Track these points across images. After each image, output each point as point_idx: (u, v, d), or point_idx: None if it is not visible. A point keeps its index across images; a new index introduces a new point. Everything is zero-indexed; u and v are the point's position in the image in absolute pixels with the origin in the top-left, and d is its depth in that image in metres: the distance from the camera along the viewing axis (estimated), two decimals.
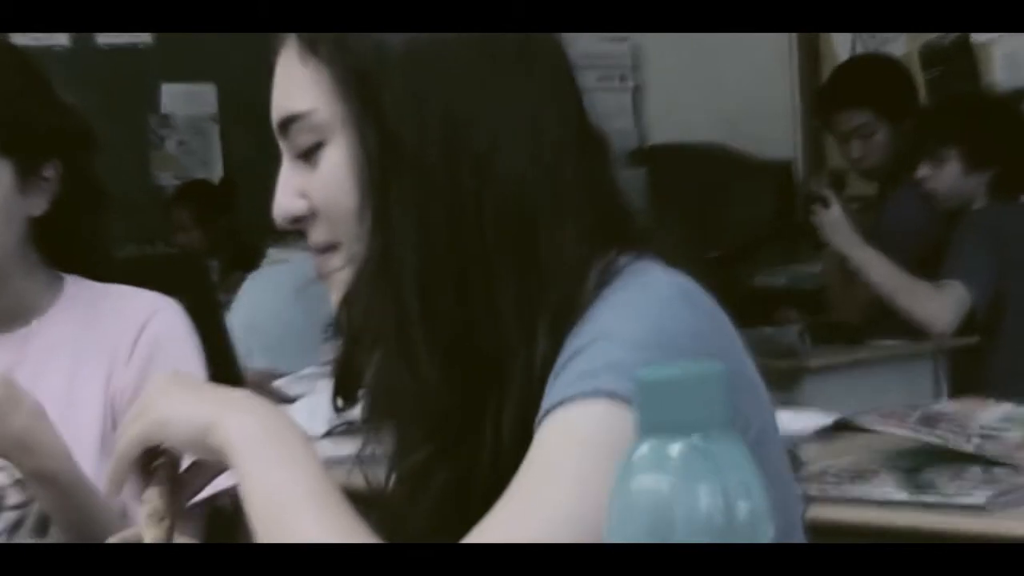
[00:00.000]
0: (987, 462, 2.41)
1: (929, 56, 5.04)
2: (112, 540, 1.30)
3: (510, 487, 1.13)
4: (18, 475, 1.73)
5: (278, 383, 3.49)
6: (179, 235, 5.61)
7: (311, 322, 3.60)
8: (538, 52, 1.25)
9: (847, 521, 2.28)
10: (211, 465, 1.25)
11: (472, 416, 1.21)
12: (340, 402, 1.31)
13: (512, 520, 1.11)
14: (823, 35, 5.30)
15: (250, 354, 3.58)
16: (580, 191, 1.23)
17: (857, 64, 4.80)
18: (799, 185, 5.09)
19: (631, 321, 1.17)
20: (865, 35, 5.19)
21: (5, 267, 1.90)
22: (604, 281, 1.21)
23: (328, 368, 3.35)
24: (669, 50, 5.52)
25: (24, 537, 1.76)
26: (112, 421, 1.86)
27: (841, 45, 5.25)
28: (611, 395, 1.11)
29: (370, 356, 1.25)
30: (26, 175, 1.89)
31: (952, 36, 4.97)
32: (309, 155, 1.24)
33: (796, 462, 2.31)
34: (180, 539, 1.25)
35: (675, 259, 1.24)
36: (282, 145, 1.27)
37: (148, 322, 1.91)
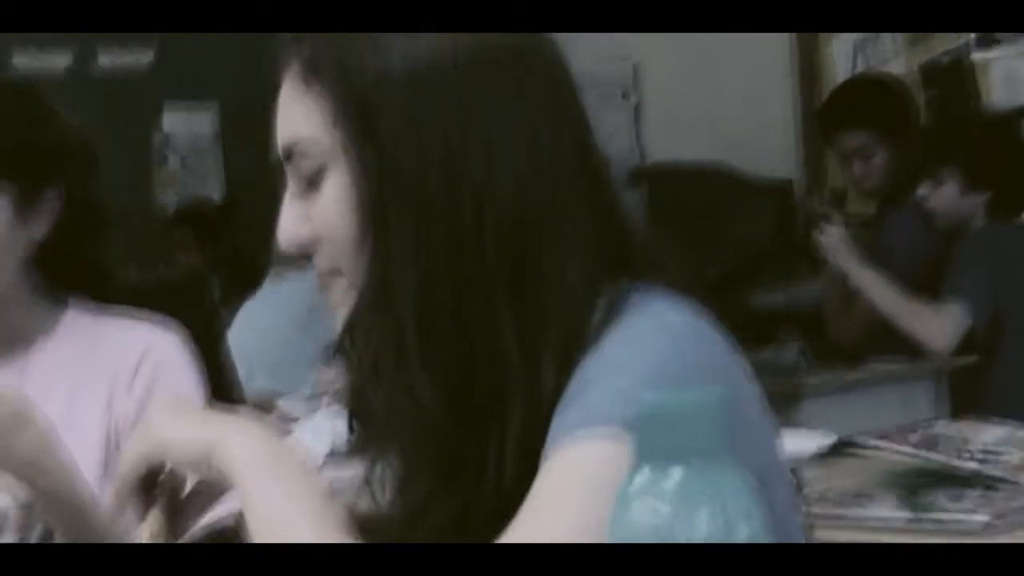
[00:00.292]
0: (987, 483, 2.41)
1: (928, 75, 5.04)
2: None
3: (515, 519, 1.12)
4: (22, 499, 1.73)
5: (281, 403, 3.49)
6: (180, 254, 5.61)
7: (312, 342, 3.61)
8: (539, 73, 1.24)
9: (847, 542, 2.28)
10: (213, 487, 1.26)
11: (474, 445, 1.20)
12: (355, 426, 1.31)
13: None
14: (823, 53, 5.31)
15: (250, 374, 3.58)
16: (584, 217, 1.23)
17: (858, 84, 4.80)
18: (799, 204, 5.09)
19: (640, 355, 1.16)
20: (866, 52, 5.19)
21: (5, 292, 1.90)
22: (613, 312, 1.20)
23: (325, 389, 3.35)
24: (669, 69, 5.53)
25: None
26: (113, 447, 1.86)
27: (841, 64, 5.26)
28: (618, 429, 1.10)
29: (375, 382, 1.26)
30: (27, 200, 1.89)
31: (951, 55, 4.98)
32: (312, 181, 1.24)
33: (796, 484, 2.31)
34: None
35: (685, 290, 1.23)
36: (287, 171, 1.27)
37: (150, 349, 1.91)
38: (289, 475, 1.19)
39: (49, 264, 1.95)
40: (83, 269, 1.98)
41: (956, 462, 2.44)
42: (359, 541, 1.16)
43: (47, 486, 1.68)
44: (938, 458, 2.45)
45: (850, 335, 4.32)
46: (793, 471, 1.94)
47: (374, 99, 1.21)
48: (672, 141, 5.43)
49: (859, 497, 2.41)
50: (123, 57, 5.93)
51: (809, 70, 5.34)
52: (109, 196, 2.01)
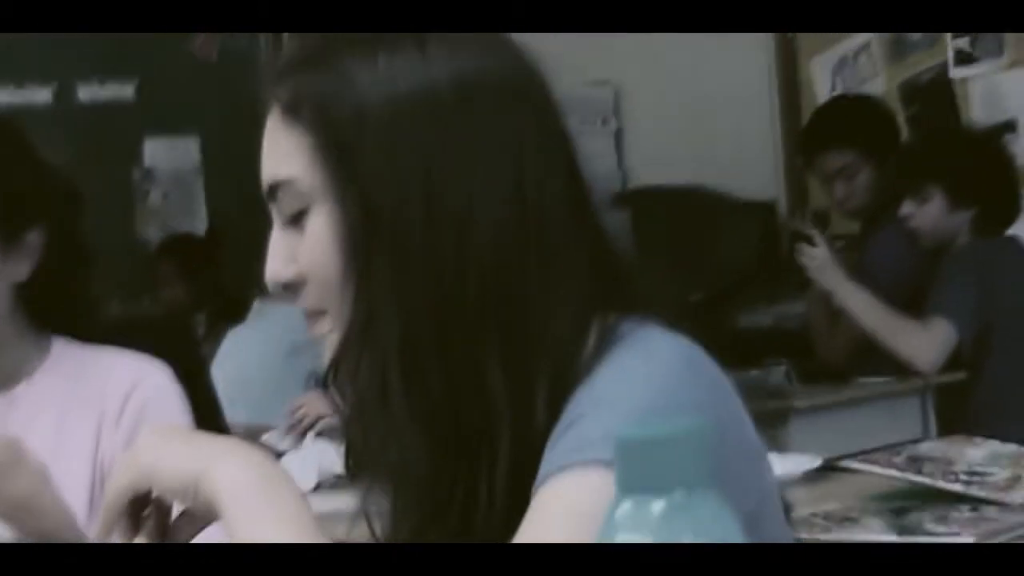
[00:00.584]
0: (974, 502, 2.41)
1: (908, 93, 5.06)
2: None
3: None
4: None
5: (265, 437, 3.49)
6: (164, 289, 5.60)
7: (295, 375, 3.61)
8: (523, 107, 1.24)
9: None
10: (200, 515, 1.24)
11: (462, 482, 1.20)
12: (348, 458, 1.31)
13: None
14: (803, 74, 5.32)
15: (234, 408, 3.58)
16: (571, 252, 1.22)
17: (839, 104, 4.81)
18: (782, 225, 5.10)
19: (632, 389, 1.16)
20: (844, 73, 5.20)
21: None
22: (603, 346, 1.20)
23: (303, 421, 3.33)
24: (650, 93, 5.54)
25: None
26: (100, 483, 1.85)
27: (821, 84, 5.27)
28: (608, 464, 1.10)
29: (361, 421, 1.25)
30: (8, 242, 1.88)
31: (931, 72, 4.99)
32: (297, 220, 1.24)
33: (784, 507, 2.30)
34: None
35: (675, 321, 1.23)
36: (271, 210, 1.27)
37: (137, 386, 1.91)
38: (278, 504, 1.17)
39: (34, 302, 1.94)
40: (68, 307, 1.98)
41: (942, 483, 2.44)
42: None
43: (39, 528, 1.67)
44: (923, 479, 2.45)
45: (836, 355, 4.32)
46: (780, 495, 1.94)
47: (353, 138, 1.21)
48: (654, 165, 5.43)
49: (845, 520, 2.40)
50: (103, 91, 5.92)
51: (789, 91, 5.35)
52: (91, 232, 2.01)
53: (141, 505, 1.23)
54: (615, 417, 1.12)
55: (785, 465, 2.73)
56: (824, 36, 5.21)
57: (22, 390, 1.93)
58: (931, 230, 4.08)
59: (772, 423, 3.66)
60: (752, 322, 5.00)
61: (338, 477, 2.97)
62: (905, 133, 4.76)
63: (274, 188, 1.25)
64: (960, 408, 4.03)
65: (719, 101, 5.37)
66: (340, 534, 1.20)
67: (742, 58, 5.28)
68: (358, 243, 1.21)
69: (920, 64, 5.01)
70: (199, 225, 6.12)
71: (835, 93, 5.15)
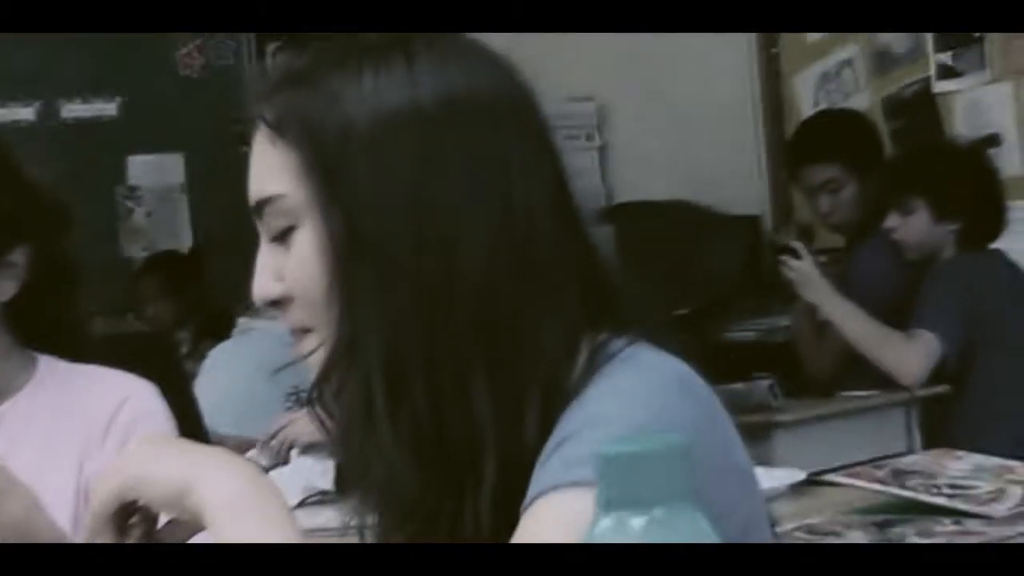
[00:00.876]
0: (958, 515, 2.42)
1: (892, 107, 5.07)
2: None
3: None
4: None
5: (250, 454, 3.48)
6: (148, 306, 5.59)
7: (279, 392, 3.61)
8: (510, 125, 1.23)
9: None
10: (186, 525, 1.23)
11: (449, 501, 1.20)
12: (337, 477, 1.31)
13: None
14: (787, 88, 5.33)
15: (217, 425, 3.57)
16: (560, 269, 1.22)
17: (824, 119, 4.82)
18: (767, 240, 5.10)
19: (623, 409, 1.15)
20: (828, 87, 5.22)
21: None
22: (594, 365, 1.19)
23: (284, 437, 3.32)
24: (634, 108, 5.54)
25: None
26: (85, 503, 1.85)
27: (804, 98, 5.28)
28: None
29: (347, 439, 1.25)
30: None
31: (915, 87, 5.00)
32: (283, 237, 1.24)
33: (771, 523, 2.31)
34: None
35: (667, 341, 1.23)
36: (258, 227, 1.27)
37: (123, 405, 1.90)
38: (265, 518, 1.17)
39: (20, 321, 1.94)
40: (55, 325, 1.97)
41: (925, 496, 2.44)
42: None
43: None
44: (907, 493, 2.46)
45: (821, 368, 4.32)
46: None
47: (338, 156, 1.21)
48: (638, 180, 5.44)
49: (828, 534, 2.40)
50: (87, 109, 5.92)
51: (773, 106, 5.36)
52: (75, 249, 2.00)
53: (127, 514, 1.22)
54: (605, 437, 1.11)
55: (769, 479, 2.73)
56: (807, 51, 5.22)
57: (7, 408, 1.93)
58: (915, 243, 4.09)
59: (756, 437, 3.66)
60: (737, 336, 5.01)
61: (323, 493, 2.97)
62: (889, 148, 4.77)
63: (261, 205, 1.25)
64: (945, 421, 4.04)
65: (703, 116, 5.37)
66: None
67: (726, 73, 5.29)
68: (343, 261, 1.20)
69: (903, 79, 5.03)
70: (183, 242, 6.12)
71: (819, 108, 5.16)
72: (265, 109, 1.25)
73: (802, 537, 2.40)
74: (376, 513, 1.26)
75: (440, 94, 1.22)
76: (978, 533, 2.33)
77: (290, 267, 1.24)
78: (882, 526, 2.40)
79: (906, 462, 2.64)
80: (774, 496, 2.69)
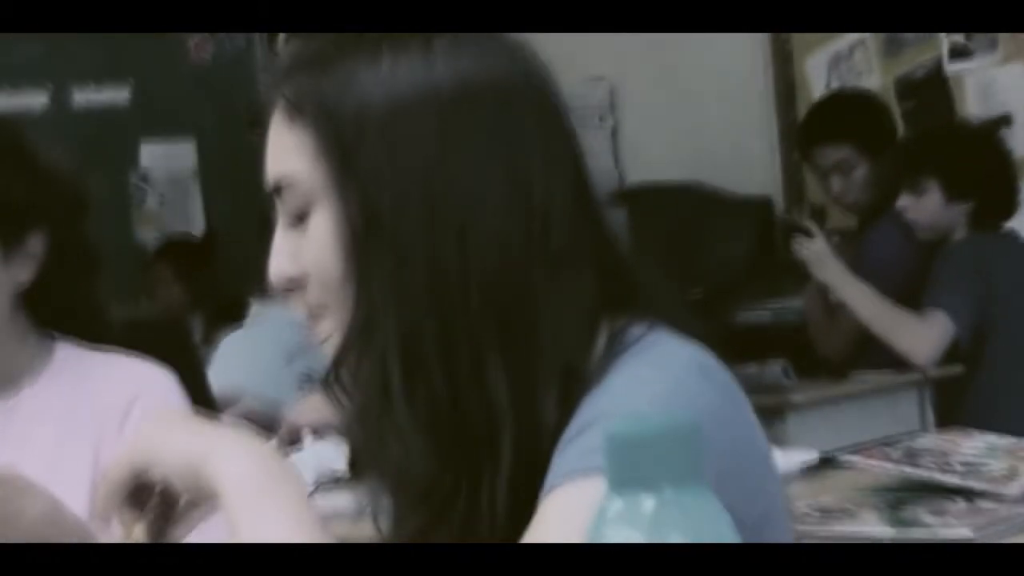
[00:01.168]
0: (971, 495, 2.41)
1: (904, 88, 5.06)
2: None
3: None
4: None
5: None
6: (161, 291, 5.60)
7: (291, 377, 3.62)
8: (527, 108, 1.23)
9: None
10: (201, 504, 1.23)
11: (465, 486, 1.19)
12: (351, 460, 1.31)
13: None
14: (798, 70, 5.32)
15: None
16: (576, 252, 1.21)
17: (836, 99, 4.81)
18: (779, 221, 5.10)
19: (644, 397, 1.15)
20: (840, 68, 5.21)
21: None
22: (614, 352, 1.19)
23: (302, 422, 3.32)
24: (646, 90, 5.54)
25: None
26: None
27: (816, 80, 5.27)
28: None
29: (362, 421, 1.24)
30: (8, 247, 1.88)
31: (926, 67, 4.99)
32: (301, 217, 1.24)
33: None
34: None
35: (687, 328, 1.22)
36: (276, 207, 1.27)
37: (141, 389, 1.90)
38: (281, 497, 1.17)
39: (37, 306, 1.94)
40: (74, 311, 1.97)
41: (938, 476, 2.44)
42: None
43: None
44: (920, 472, 2.45)
45: (834, 349, 4.32)
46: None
47: (354, 138, 1.21)
48: (650, 162, 5.43)
49: (841, 514, 2.41)
50: (99, 96, 5.93)
51: (784, 88, 5.35)
52: (94, 235, 2.00)
53: (143, 490, 1.22)
54: None
55: (782, 460, 2.73)
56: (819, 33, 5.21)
57: (25, 394, 1.93)
58: (928, 223, 4.08)
59: (770, 418, 3.66)
60: (750, 318, 5.01)
61: (337, 478, 2.97)
62: (901, 129, 4.76)
63: (278, 186, 1.25)
64: (957, 402, 4.04)
65: (715, 98, 5.37)
66: (340, 533, 1.20)
67: (738, 54, 5.28)
68: (358, 242, 1.20)
69: (915, 60, 5.01)
70: (196, 228, 6.12)
71: (831, 89, 5.15)
72: (282, 90, 1.25)
73: (814, 516, 2.40)
74: (391, 496, 1.26)
75: (457, 78, 1.22)
76: (990, 512, 2.33)
77: (306, 248, 1.24)
78: (894, 505, 2.40)
79: (919, 442, 2.64)
80: (787, 477, 2.69)
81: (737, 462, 1.16)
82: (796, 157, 5.00)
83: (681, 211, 5.20)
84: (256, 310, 4.15)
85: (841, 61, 5.21)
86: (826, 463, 2.84)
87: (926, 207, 4.07)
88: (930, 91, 4.98)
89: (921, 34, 4.96)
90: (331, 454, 3.01)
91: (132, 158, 6.04)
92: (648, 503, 0.80)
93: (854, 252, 4.28)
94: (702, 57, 5.30)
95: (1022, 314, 4.01)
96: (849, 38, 5.16)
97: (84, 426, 1.89)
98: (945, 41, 4.91)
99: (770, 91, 5.38)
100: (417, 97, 1.21)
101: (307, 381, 3.45)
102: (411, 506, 1.23)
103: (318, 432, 3.21)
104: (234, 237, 5.46)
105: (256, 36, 6.06)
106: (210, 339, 4.52)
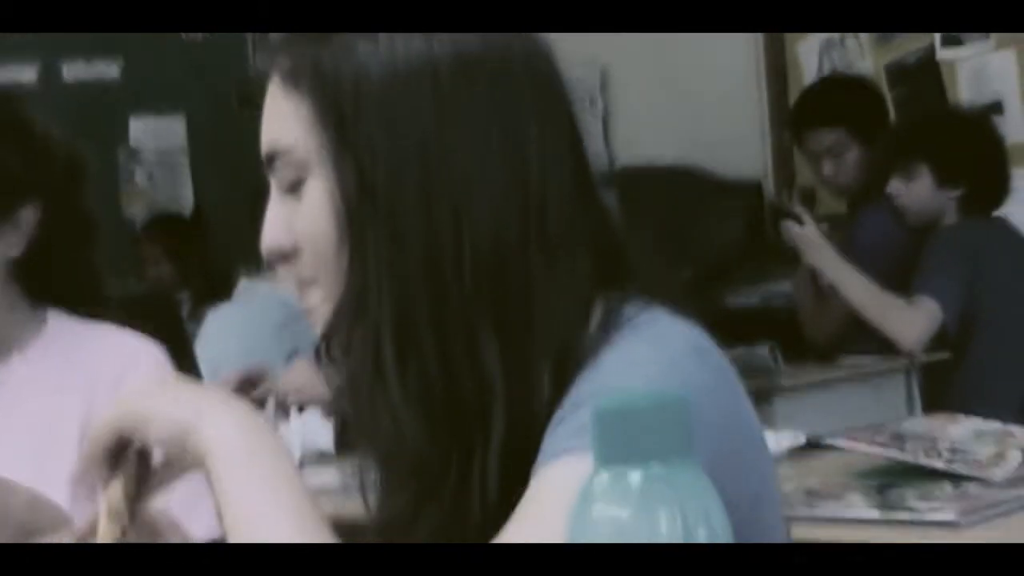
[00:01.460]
0: (957, 478, 2.42)
1: (895, 74, 5.06)
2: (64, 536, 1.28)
3: (500, 535, 1.11)
4: None
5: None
6: (149, 269, 5.60)
7: (279, 353, 3.61)
8: (526, 83, 1.23)
9: (818, 541, 2.28)
10: (180, 466, 1.23)
11: (456, 460, 1.19)
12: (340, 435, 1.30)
13: None
14: (790, 55, 5.32)
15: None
16: (572, 229, 1.21)
17: (829, 83, 4.81)
18: (769, 205, 5.10)
19: (639, 375, 1.15)
20: (832, 54, 5.21)
21: None
22: (608, 329, 1.19)
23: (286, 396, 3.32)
24: (636, 73, 5.53)
25: None
26: None
27: (808, 65, 5.27)
28: None
29: (353, 394, 1.24)
30: (1, 218, 1.88)
31: (918, 54, 5.00)
32: (294, 188, 1.24)
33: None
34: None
35: (681, 306, 1.22)
36: (270, 178, 1.26)
37: (130, 366, 1.90)
38: (269, 466, 1.16)
39: (31, 277, 1.93)
40: (67, 282, 1.96)
41: (924, 460, 2.45)
42: (334, 537, 1.14)
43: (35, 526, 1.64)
44: (906, 456, 2.46)
45: (823, 333, 4.32)
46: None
47: (350, 108, 1.20)
48: (641, 145, 5.43)
49: (828, 496, 2.41)
50: (88, 70, 5.91)
51: (776, 72, 5.35)
52: (91, 206, 1.99)
53: (123, 448, 1.21)
54: None
55: (770, 442, 2.73)
56: None
57: (15, 365, 1.93)
58: (918, 208, 4.08)
59: (757, 401, 3.65)
60: (739, 301, 5.01)
61: (322, 453, 2.97)
62: (892, 115, 4.76)
63: (272, 156, 1.25)
64: (945, 388, 4.04)
65: (706, 81, 5.37)
66: (326, 509, 1.19)
67: (729, 38, 5.27)
68: (353, 214, 1.20)
69: (907, 46, 5.01)
70: (185, 205, 6.12)
71: (823, 74, 5.15)
72: (279, 60, 1.25)
73: (801, 499, 2.41)
74: (380, 471, 1.26)
75: (456, 52, 1.21)
76: (976, 497, 2.33)
77: (300, 218, 1.23)
78: (881, 489, 2.41)
79: (906, 426, 2.65)
80: (774, 459, 2.69)
81: (731, 442, 1.16)
82: (787, 140, 5.00)
83: (671, 194, 5.20)
84: (244, 286, 4.15)
85: (833, 47, 5.21)
86: (813, 446, 2.84)
87: (916, 192, 4.07)
88: (922, 77, 4.98)
89: None
90: (316, 430, 3.01)
91: (121, 133, 6.03)
92: (635, 478, 0.80)
93: (844, 237, 4.28)
94: (694, 40, 5.29)
95: (1010, 300, 4.01)
96: None
97: (73, 397, 1.89)
98: None
99: (762, 75, 5.38)
100: (415, 70, 1.20)
101: (293, 357, 3.45)
102: (401, 481, 1.23)
103: (303, 408, 3.21)
104: (223, 214, 5.45)
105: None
106: (197, 315, 4.51)
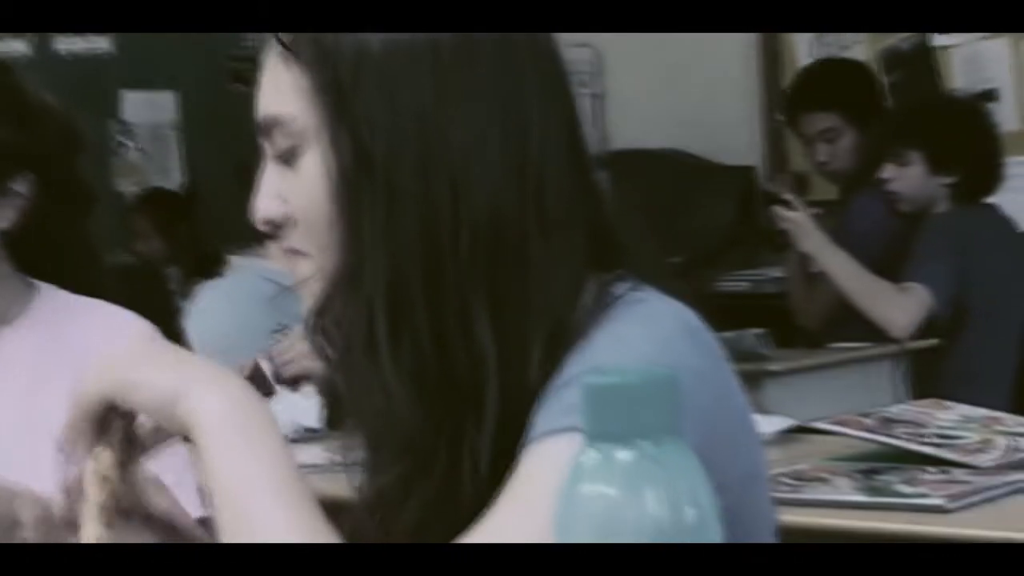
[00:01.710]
0: (944, 464, 2.43)
1: (890, 60, 5.06)
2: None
3: (486, 515, 1.11)
4: None
5: None
6: (139, 243, 5.59)
7: (266, 329, 3.61)
8: (527, 62, 1.22)
9: (805, 525, 2.28)
10: (167, 432, 1.21)
11: (447, 437, 1.19)
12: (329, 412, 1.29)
13: None
14: (784, 40, 5.32)
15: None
16: (569, 207, 1.20)
17: (824, 67, 4.81)
18: (761, 190, 5.11)
19: (630, 355, 1.14)
20: (827, 39, 5.20)
21: None
22: (600, 308, 1.18)
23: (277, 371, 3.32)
24: (630, 56, 5.53)
25: None
26: None
27: (802, 50, 5.27)
28: None
29: (344, 369, 1.23)
30: None
31: (912, 40, 5.00)
32: (289, 158, 1.23)
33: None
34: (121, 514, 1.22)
35: (672, 287, 1.22)
36: (264, 146, 1.25)
37: (119, 343, 1.89)
38: (255, 437, 1.15)
39: (22, 249, 1.92)
40: (63, 253, 1.95)
41: (911, 445, 2.45)
42: (326, 519, 1.14)
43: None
44: (894, 442, 2.47)
45: (813, 319, 4.33)
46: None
47: (350, 80, 1.20)
48: (634, 128, 5.43)
49: (815, 480, 2.42)
50: (81, 44, 5.90)
51: (770, 56, 5.35)
52: (87, 177, 1.98)
53: (109, 414, 1.20)
54: None
55: (758, 426, 2.73)
56: None
57: (4, 337, 1.92)
58: (910, 194, 4.08)
59: (746, 386, 3.65)
60: (730, 286, 5.02)
61: (309, 431, 2.97)
62: (888, 99, 4.77)
63: (268, 124, 1.24)
64: (933, 374, 4.05)
65: (700, 65, 5.37)
66: (313, 487, 1.18)
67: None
68: (349, 186, 1.19)
69: (902, 32, 5.01)
70: (175, 180, 6.11)
71: (816, 59, 5.14)
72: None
73: (788, 483, 2.41)
74: (370, 448, 1.25)
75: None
76: (963, 483, 2.34)
77: (294, 188, 1.23)
78: (867, 474, 2.41)
79: (894, 411, 2.65)
80: (762, 442, 2.70)
81: (721, 423, 1.16)
82: (779, 126, 5.00)
83: (663, 178, 5.20)
84: (234, 262, 4.14)
85: (828, 32, 5.21)
86: (802, 430, 2.85)
87: (909, 178, 4.07)
88: (916, 64, 4.99)
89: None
90: (303, 407, 3.01)
91: (113, 107, 6.02)
92: (625, 456, 0.80)
93: (836, 223, 4.28)
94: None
95: (1000, 288, 4.02)
96: None
97: (60, 372, 1.88)
98: None
99: (755, 59, 5.38)
100: (416, 45, 1.20)
101: (283, 332, 3.44)
102: (392, 457, 1.22)
103: (296, 382, 3.21)
104: (214, 189, 5.45)
105: None
106: (186, 291, 4.51)
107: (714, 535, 0.81)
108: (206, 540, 1.31)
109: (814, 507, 2.34)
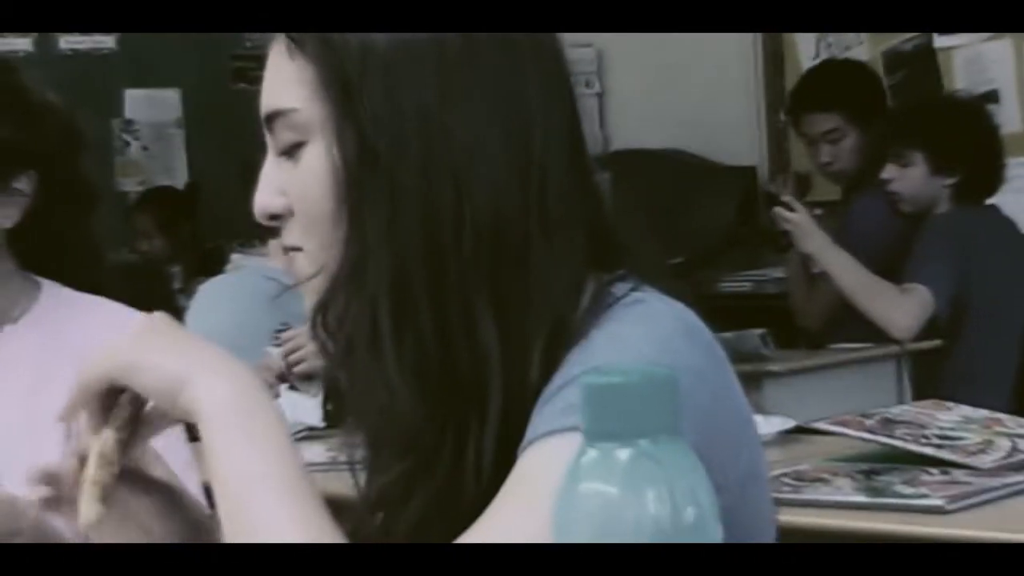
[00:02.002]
0: (945, 465, 2.43)
1: (892, 61, 5.06)
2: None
3: (484, 514, 1.11)
4: None
5: None
6: (142, 242, 5.60)
7: (268, 328, 3.61)
8: (530, 61, 1.23)
9: (805, 525, 2.29)
10: (170, 417, 1.20)
11: (451, 435, 1.18)
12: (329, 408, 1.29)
13: None
14: (786, 41, 5.32)
15: None
16: (570, 206, 1.21)
17: (827, 68, 4.82)
18: (763, 190, 5.11)
19: (629, 355, 1.14)
20: (829, 39, 5.21)
21: None
22: (599, 308, 1.18)
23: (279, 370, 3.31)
24: (633, 55, 5.53)
25: None
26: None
27: (805, 51, 5.27)
28: None
29: (347, 367, 1.23)
30: None
31: (915, 41, 5.00)
32: (292, 152, 1.23)
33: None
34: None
35: (672, 287, 1.22)
36: (267, 140, 1.25)
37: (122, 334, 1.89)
38: (258, 428, 1.15)
39: (25, 247, 1.92)
40: (66, 251, 1.95)
41: (912, 446, 2.45)
42: (329, 513, 1.13)
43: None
44: (894, 442, 2.47)
45: (814, 320, 4.33)
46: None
47: (355, 75, 1.19)
48: (636, 128, 5.43)
49: (815, 481, 2.42)
50: (84, 42, 5.90)
51: (773, 57, 5.35)
52: (90, 175, 1.98)
53: (114, 396, 1.20)
54: None
55: (759, 426, 2.74)
56: None
57: (6, 335, 1.92)
58: (912, 195, 4.08)
59: (747, 386, 3.65)
60: (731, 287, 5.02)
61: (309, 429, 2.97)
62: (890, 99, 4.77)
63: (272, 117, 1.24)
64: (935, 375, 4.05)
65: (700, 65, 5.36)
66: (314, 484, 1.18)
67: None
68: (352, 181, 1.19)
69: (904, 33, 5.01)
70: (178, 178, 6.11)
71: (819, 60, 5.15)
72: None
73: (789, 483, 2.41)
74: (372, 447, 1.25)
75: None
76: (964, 484, 2.34)
77: (297, 182, 1.22)
78: (868, 474, 2.41)
79: (895, 412, 2.65)
80: (763, 442, 2.70)
81: (721, 423, 1.16)
82: (782, 125, 5.00)
83: (665, 178, 5.20)
84: (236, 260, 4.14)
85: (830, 33, 5.21)
86: (802, 431, 2.85)
87: (910, 179, 4.07)
88: (918, 65, 4.99)
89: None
90: (304, 406, 3.01)
91: (116, 105, 6.02)
92: (624, 455, 0.80)
93: (838, 223, 4.28)
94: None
95: (1001, 289, 4.02)
96: None
97: (63, 370, 1.88)
98: None
99: (758, 60, 5.38)
100: (421, 41, 1.20)
101: (285, 330, 3.44)
102: (395, 454, 1.22)
103: (291, 383, 3.21)
104: (216, 187, 5.45)
105: None
106: (189, 289, 4.51)
107: (714, 535, 0.81)
108: (206, 509, 1.30)
109: (814, 507, 2.34)
